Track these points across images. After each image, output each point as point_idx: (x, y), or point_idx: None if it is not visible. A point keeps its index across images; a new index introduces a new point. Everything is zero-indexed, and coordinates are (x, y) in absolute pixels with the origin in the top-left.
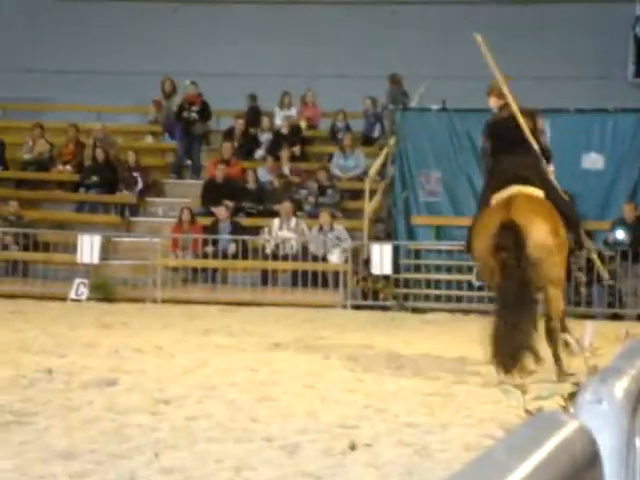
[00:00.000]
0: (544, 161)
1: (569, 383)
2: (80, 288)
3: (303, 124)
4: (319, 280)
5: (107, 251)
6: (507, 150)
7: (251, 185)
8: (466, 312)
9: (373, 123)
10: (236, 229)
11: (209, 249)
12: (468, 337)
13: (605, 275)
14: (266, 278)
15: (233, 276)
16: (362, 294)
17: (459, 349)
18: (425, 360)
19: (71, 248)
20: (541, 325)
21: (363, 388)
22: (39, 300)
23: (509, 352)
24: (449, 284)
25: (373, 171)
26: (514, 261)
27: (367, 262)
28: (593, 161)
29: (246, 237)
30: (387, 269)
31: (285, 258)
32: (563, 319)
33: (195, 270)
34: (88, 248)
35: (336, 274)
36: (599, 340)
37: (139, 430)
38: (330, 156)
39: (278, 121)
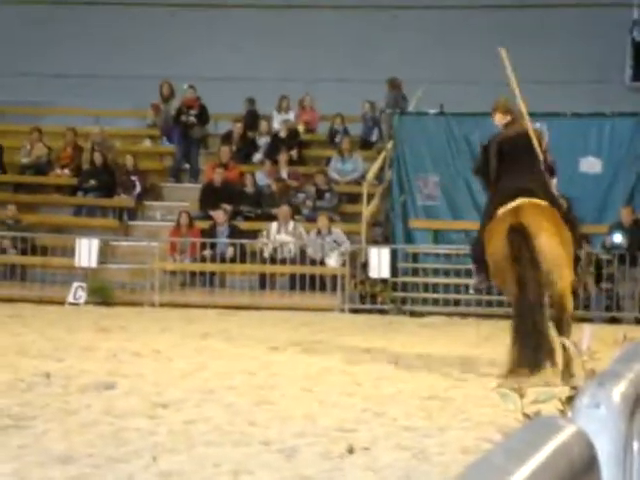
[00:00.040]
0: (547, 175)
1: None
2: (78, 292)
3: (301, 128)
4: (317, 284)
5: (105, 255)
6: (514, 169)
7: (249, 189)
8: (464, 315)
9: (371, 127)
10: (234, 233)
11: (207, 253)
12: (466, 340)
13: (589, 280)
14: (264, 282)
15: (231, 280)
16: (360, 298)
17: (457, 352)
18: (423, 364)
19: (69, 252)
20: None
21: (361, 392)
22: (37, 304)
23: (531, 353)
24: (447, 288)
25: (371, 175)
26: (527, 263)
27: (365, 266)
28: (591, 165)
29: (244, 241)
30: (385, 273)
31: (283, 262)
32: (570, 321)
33: (193, 274)
34: (86, 252)
35: (334, 278)
36: (597, 344)
37: (137, 434)
38: (328, 160)
39: (276, 125)
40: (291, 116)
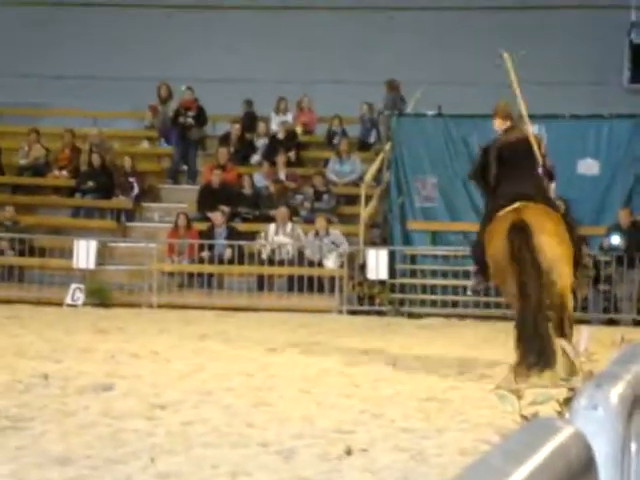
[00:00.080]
0: (546, 179)
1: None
2: (76, 293)
3: (299, 129)
4: (315, 285)
5: (103, 256)
6: (514, 174)
7: (247, 190)
8: (462, 317)
9: (369, 128)
10: (232, 234)
11: (205, 254)
12: (464, 342)
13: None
14: (262, 283)
15: (229, 281)
16: (358, 299)
17: (455, 354)
18: (421, 365)
19: (67, 253)
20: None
21: (359, 393)
22: (35, 305)
23: (534, 356)
24: (445, 289)
25: (369, 176)
26: (528, 264)
27: (363, 267)
28: (588, 166)
29: (242, 242)
30: (383, 274)
31: (281, 263)
32: (571, 320)
33: (191, 275)
34: (84, 253)
35: (332, 279)
36: (594, 345)
37: (135, 435)
38: (326, 161)
39: (274, 126)
40: (289, 118)
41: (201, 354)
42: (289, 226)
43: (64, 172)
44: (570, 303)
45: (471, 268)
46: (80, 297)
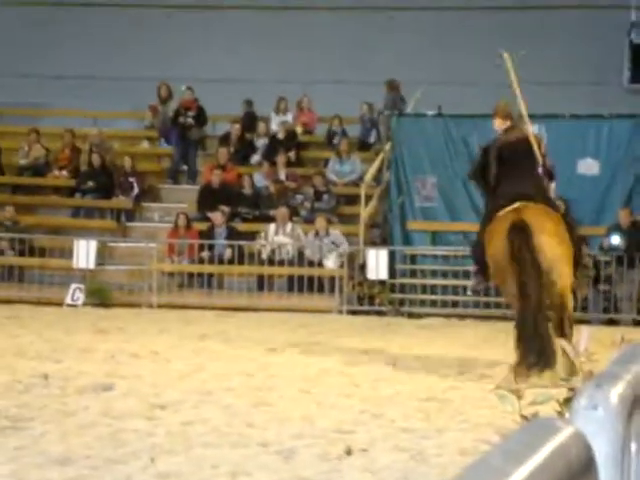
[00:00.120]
0: (546, 179)
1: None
2: (76, 293)
3: (299, 129)
4: (315, 285)
5: (103, 256)
6: (514, 174)
7: (247, 190)
8: (462, 317)
9: (369, 128)
10: (232, 234)
11: (205, 254)
12: (464, 342)
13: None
14: (262, 283)
15: (229, 281)
16: (358, 299)
17: (455, 354)
18: (421, 365)
19: (67, 253)
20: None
21: (359, 393)
22: (35, 305)
23: (535, 357)
24: (445, 289)
25: (369, 176)
26: (528, 264)
27: (363, 267)
28: (588, 166)
29: (242, 242)
30: (383, 274)
31: (281, 263)
32: (571, 319)
33: (191, 275)
34: (84, 253)
35: (332, 279)
36: (594, 345)
37: (135, 435)
38: (326, 161)
39: (274, 126)
40: (289, 118)
41: (201, 354)
42: (289, 226)
43: (64, 172)
44: (570, 303)
45: (471, 268)
46: (80, 297)
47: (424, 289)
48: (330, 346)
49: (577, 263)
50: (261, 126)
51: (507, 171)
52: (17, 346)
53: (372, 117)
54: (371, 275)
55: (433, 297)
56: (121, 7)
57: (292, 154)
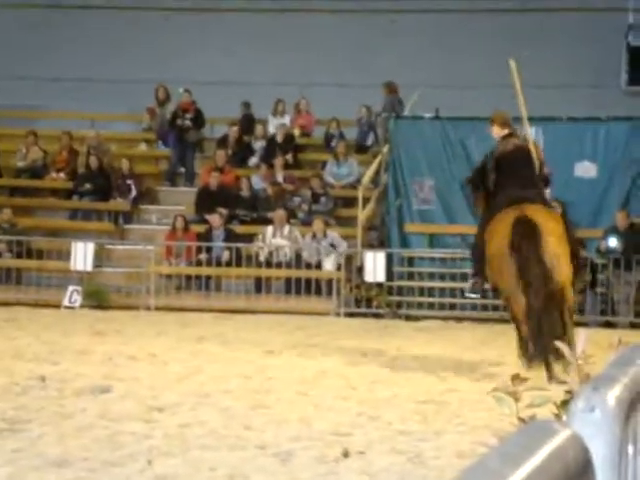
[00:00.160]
0: (542, 184)
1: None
2: (74, 295)
3: (297, 132)
4: (312, 288)
5: (101, 258)
6: (512, 182)
7: (245, 193)
8: (459, 319)
9: (367, 131)
10: (230, 236)
11: (203, 256)
12: (461, 344)
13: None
14: (260, 285)
15: (227, 283)
16: (355, 302)
17: (452, 356)
18: (418, 367)
19: (65, 255)
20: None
21: (356, 395)
22: (33, 307)
23: (540, 355)
24: (442, 292)
25: (367, 179)
26: (530, 260)
27: (360, 270)
28: (586, 169)
29: (240, 245)
30: (380, 277)
31: (279, 265)
32: (572, 312)
33: (189, 277)
34: (82, 255)
35: (329, 282)
36: (592, 348)
37: (132, 437)
38: (324, 164)
39: (272, 129)
40: (287, 120)
41: (199, 356)
42: (287, 228)
43: (61, 174)
44: (571, 295)
45: (469, 270)
46: (77, 299)
47: (421, 291)
48: (328, 348)
49: (575, 265)
50: (259, 128)
51: (506, 180)
52: (14, 348)
53: (370, 120)
54: (368, 277)
55: (431, 299)
56: (118, 9)
57: (290, 156)
